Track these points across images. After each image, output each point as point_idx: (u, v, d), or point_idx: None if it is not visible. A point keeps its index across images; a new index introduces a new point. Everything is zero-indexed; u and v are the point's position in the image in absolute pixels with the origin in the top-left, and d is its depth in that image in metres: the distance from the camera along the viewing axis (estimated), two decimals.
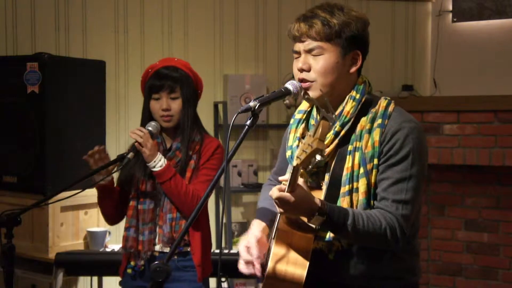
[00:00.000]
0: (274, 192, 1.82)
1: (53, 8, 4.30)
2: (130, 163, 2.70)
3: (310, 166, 1.71)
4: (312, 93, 1.97)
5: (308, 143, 1.67)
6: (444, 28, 5.04)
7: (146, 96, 2.79)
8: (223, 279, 3.44)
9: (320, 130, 1.63)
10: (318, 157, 1.68)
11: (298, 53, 2.01)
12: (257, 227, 2.09)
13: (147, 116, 2.78)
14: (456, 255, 4.88)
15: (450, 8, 5.00)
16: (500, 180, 4.71)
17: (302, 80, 1.99)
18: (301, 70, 1.99)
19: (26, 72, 3.63)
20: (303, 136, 2.08)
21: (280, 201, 1.81)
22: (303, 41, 1.98)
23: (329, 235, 1.96)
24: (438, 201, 4.93)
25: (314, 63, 1.97)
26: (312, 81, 1.97)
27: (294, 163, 1.73)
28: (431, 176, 4.87)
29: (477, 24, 4.93)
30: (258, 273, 1.99)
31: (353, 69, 2.02)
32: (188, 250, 2.75)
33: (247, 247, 2.01)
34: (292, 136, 2.12)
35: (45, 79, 3.61)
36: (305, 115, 2.14)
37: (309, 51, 1.98)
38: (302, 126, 2.11)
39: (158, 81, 2.74)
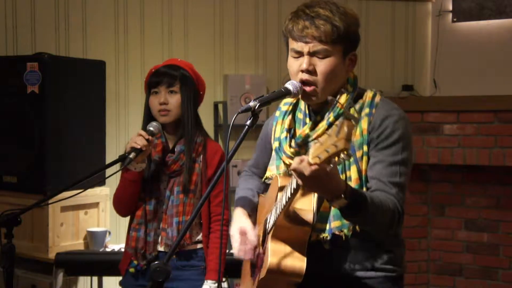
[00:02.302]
0: (306, 166, 1.67)
1: (53, 8, 4.30)
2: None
3: (331, 165, 1.66)
4: (320, 97, 1.97)
5: (331, 143, 1.63)
6: (444, 28, 5.03)
7: (146, 94, 2.80)
8: (223, 279, 3.45)
9: (346, 130, 1.62)
10: (342, 156, 1.63)
11: (300, 53, 1.98)
12: (243, 214, 2.16)
13: (147, 114, 2.78)
14: (456, 255, 4.88)
15: (450, 8, 5.00)
16: (500, 180, 4.71)
17: (305, 82, 1.97)
18: (305, 71, 1.96)
19: (26, 72, 3.63)
20: (290, 128, 2.09)
21: (314, 173, 1.66)
22: (307, 42, 1.95)
23: (329, 226, 1.96)
24: (438, 201, 4.93)
25: (319, 65, 1.96)
26: (315, 84, 1.96)
27: (312, 161, 1.65)
28: (431, 176, 4.87)
29: (477, 24, 4.93)
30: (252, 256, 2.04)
31: (350, 70, 2.04)
32: (191, 249, 2.76)
33: (243, 231, 2.05)
34: (280, 128, 2.13)
35: (45, 79, 3.61)
36: (291, 107, 2.15)
37: (314, 53, 1.96)
38: (289, 118, 2.12)
39: (156, 77, 2.75)
